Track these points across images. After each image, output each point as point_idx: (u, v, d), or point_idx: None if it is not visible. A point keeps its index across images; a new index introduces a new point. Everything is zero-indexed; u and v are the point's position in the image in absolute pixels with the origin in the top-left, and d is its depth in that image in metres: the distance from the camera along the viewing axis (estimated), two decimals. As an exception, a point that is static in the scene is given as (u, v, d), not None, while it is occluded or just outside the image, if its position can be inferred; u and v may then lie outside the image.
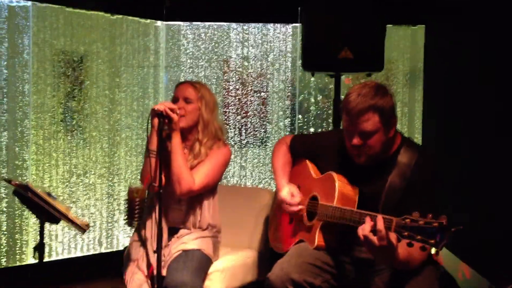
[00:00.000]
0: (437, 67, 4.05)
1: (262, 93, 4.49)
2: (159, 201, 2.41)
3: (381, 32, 3.25)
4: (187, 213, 2.66)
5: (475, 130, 3.24)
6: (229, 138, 4.44)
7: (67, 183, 4.02)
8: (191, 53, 4.43)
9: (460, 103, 3.50)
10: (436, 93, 4.08)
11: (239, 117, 4.49)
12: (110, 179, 4.22)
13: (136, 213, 2.45)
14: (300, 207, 2.39)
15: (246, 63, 4.46)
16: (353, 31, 3.20)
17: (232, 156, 3.20)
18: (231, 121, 4.48)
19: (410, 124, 4.49)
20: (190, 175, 2.56)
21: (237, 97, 4.48)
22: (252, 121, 4.51)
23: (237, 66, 4.46)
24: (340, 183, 2.24)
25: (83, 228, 2.37)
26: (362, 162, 2.19)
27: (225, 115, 4.46)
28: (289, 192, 2.41)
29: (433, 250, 1.77)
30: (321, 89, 4.54)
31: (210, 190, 2.69)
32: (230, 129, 4.48)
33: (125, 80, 4.24)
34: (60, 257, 4.01)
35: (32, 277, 2.41)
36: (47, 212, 2.35)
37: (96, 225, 4.17)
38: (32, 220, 3.82)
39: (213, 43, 4.44)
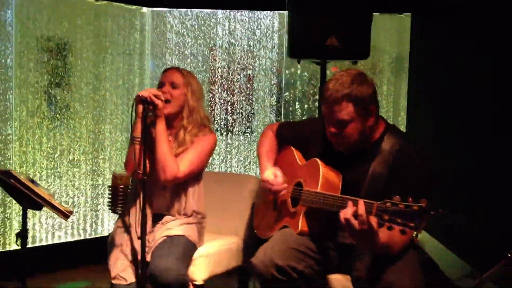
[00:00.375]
0: (423, 55, 4.07)
1: (248, 83, 4.48)
2: (143, 188, 2.40)
3: (367, 20, 3.25)
4: (171, 200, 2.66)
5: (471, 129, 3.26)
6: (216, 127, 4.43)
7: (51, 160, 3.99)
8: (177, 40, 4.39)
9: (453, 99, 3.51)
10: (422, 82, 4.10)
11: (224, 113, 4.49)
12: (95, 155, 4.19)
13: (120, 200, 2.45)
14: (284, 185, 2.38)
15: (232, 52, 4.45)
16: (339, 19, 3.20)
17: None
18: (216, 110, 4.48)
19: (395, 112, 4.51)
20: (175, 162, 2.55)
21: (223, 92, 4.47)
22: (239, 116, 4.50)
23: (223, 56, 4.44)
24: (324, 169, 2.26)
25: (66, 214, 2.36)
26: (342, 150, 2.21)
27: (211, 107, 4.45)
28: (273, 173, 2.42)
29: (414, 234, 1.79)
30: (308, 77, 4.54)
31: (195, 177, 2.69)
32: (217, 117, 4.47)
33: (110, 68, 4.21)
34: (44, 243, 4.00)
35: (16, 264, 2.37)
36: (30, 199, 2.34)
37: (80, 203, 4.14)
38: (17, 206, 3.80)
39: (199, 31, 4.41)
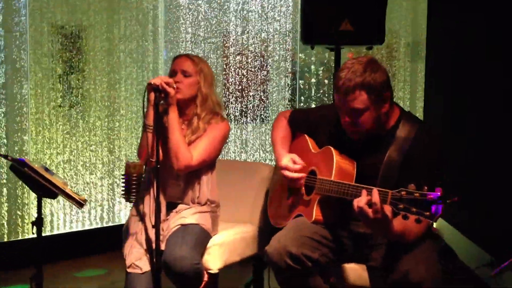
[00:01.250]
0: (441, 39, 4.00)
1: (263, 70, 4.45)
2: (156, 177, 2.40)
3: (382, 4, 3.19)
4: (185, 189, 2.65)
5: (482, 107, 3.20)
6: (231, 116, 4.42)
7: (67, 148, 4.01)
8: (190, 26, 4.37)
9: (466, 78, 3.45)
10: (440, 68, 4.03)
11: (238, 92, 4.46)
12: (110, 143, 4.19)
13: (134, 189, 2.44)
14: (301, 174, 2.36)
15: (246, 38, 4.41)
16: (353, 3, 3.15)
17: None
18: (232, 99, 4.45)
19: (412, 97, 4.45)
20: (188, 150, 2.54)
21: (237, 72, 4.44)
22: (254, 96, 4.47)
23: (237, 41, 4.41)
24: (338, 158, 2.23)
25: (80, 203, 2.37)
26: (356, 139, 2.18)
27: (225, 88, 4.43)
28: (290, 159, 2.39)
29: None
30: (323, 63, 4.49)
31: (208, 165, 2.68)
32: (231, 105, 4.45)
33: (123, 54, 4.20)
34: (62, 231, 4.04)
35: (33, 251, 2.40)
36: (44, 187, 2.34)
37: (97, 199, 4.18)
38: (33, 195, 3.83)
39: (213, 17, 4.38)
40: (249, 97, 4.48)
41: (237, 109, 4.47)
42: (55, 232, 4.02)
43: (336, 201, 2.20)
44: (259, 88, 4.46)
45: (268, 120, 4.48)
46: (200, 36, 4.38)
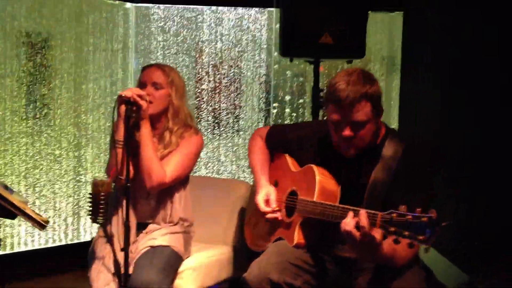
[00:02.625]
0: (417, 51, 3.94)
1: (236, 83, 4.32)
2: (126, 196, 2.24)
3: (363, 17, 3.11)
4: (156, 207, 2.49)
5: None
6: (202, 128, 4.27)
7: (31, 161, 3.80)
8: (161, 36, 4.22)
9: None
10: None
11: (210, 107, 4.33)
12: (77, 157, 4.00)
13: (101, 209, 2.26)
14: (275, 215, 2.23)
15: (219, 50, 4.28)
16: (334, 16, 3.05)
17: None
18: (204, 110, 4.31)
19: (387, 112, 4.39)
20: (161, 167, 2.39)
21: (210, 83, 4.31)
22: (226, 108, 4.34)
23: (210, 53, 4.28)
24: (320, 177, 2.10)
25: (42, 224, 2.18)
26: (351, 155, 2.06)
27: (198, 102, 4.29)
28: (263, 199, 2.26)
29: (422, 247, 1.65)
30: (297, 76, 4.40)
31: (181, 181, 2.53)
32: (203, 119, 4.31)
33: (92, 65, 4.02)
34: (22, 248, 3.80)
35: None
36: (1, 207, 2.15)
37: (61, 213, 3.96)
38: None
39: (185, 27, 4.24)
40: (221, 109, 4.34)
41: (209, 122, 4.33)
42: (17, 249, 3.77)
43: (319, 224, 2.07)
44: (232, 101, 4.32)
45: (241, 133, 4.35)
46: (171, 47, 4.24)
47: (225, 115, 4.35)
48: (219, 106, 4.34)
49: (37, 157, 3.83)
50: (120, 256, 2.28)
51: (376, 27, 4.24)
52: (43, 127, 3.85)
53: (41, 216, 2.26)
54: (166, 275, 2.32)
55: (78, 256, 2.88)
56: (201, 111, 4.30)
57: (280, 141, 2.40)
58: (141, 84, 2.45)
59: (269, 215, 2.23)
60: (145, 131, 2.34)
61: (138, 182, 2.40)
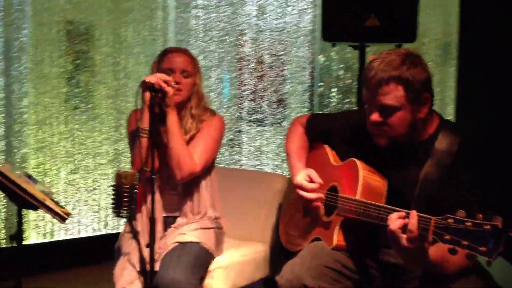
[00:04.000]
0: (475, 38, 3.62)
1: (279, 70, 4.12)
2: (151, 188, 2.08)
3: (414, -4, 2.84)
4: (183, 198, 2.35)
5: None
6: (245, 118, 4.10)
7: (70, 148, 3.73)
8: (202, 25, 4.07)
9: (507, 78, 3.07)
10: (474, 71, 3.65)
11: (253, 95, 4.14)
12: (117, 160, 3.91)
13: (125, 202, 2.10)
14: (318, 195, 2.01)
15: (261, 36, 4.08)
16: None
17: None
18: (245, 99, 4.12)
19: (442, 104, 4.08)
20: (191, 157, 2.25)
21: (252, 74, 4.12)
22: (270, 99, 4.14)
23: (252, 40, 4.08)
24: (364, 172, 1.87)
25: (63, 217, 2.05)
26: (383, 145, 1.83)
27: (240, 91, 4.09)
28: (306, 176, 2.03)
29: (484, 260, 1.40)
30: (344, 62, 4.14)
31: (207, 168, 2.38)
32: (244, 108, 4.13)
33: (131, 54, 3.92)
34: (47, 239, 3.71)
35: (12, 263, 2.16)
36: (23, 198, 2.03)
37: (100, 205, 3.87)
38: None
39: (227, 15, 4.06)
40: (263, 99, 4.14)
41: (251, 113, 4.14)
42: (40, 240, 3.69)
43: (362, 224, 1.84)
44: (275, 90, 4.12)
45: (284, 125, 4.14)
46: (212, 34, 4.08)
47: (267, 104, 4.15)
48: (262, 95, 4.15)
49: (78, 144, 3.77)
50: (146, 252, 2.14)
51: (429, 8, 3.91)
52: (84, 116, 3.79)
53: (63, 208, 2.14)
54: (194, 273, 2.16)
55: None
56: (242, 99, 4.11)
57: (320, 129, 2.18)
58: (168, 70, 2.28)
59: (310, 195, 1.99)
60: (172, 119, 2.19)
61: (164, 173, 2.28)
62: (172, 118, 2.18)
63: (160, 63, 2.31)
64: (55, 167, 3.68)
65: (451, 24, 3.95)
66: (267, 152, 4.17)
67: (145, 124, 2.14)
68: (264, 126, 4.19)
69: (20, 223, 2.16)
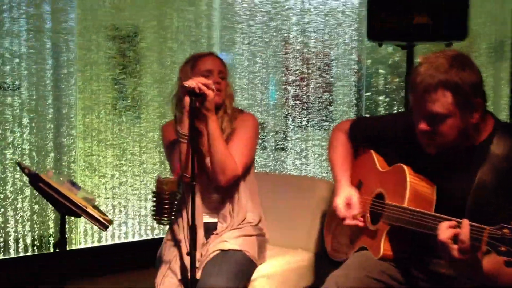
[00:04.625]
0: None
1: (325, 71, 4.03)
2: (192, 194, 2.04)
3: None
4: (222, 201, 2.32)
5: None
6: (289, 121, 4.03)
7: (117, 153, 3.77)
8: (246, 26, 4.05)
9: None
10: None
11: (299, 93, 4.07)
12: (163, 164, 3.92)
13: (166, 209, 2.08)
14: (355, 222, 1.93)
15: (306, 38, 4.01)
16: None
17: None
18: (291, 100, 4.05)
19: (495, 106, 3.89)
20: (234, 160, 2.22)
21: (297, 76, 4.05)
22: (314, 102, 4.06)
23: (297, 41, 4.01)
24: (412, 178, 1.78)
25: (104, 224, 2.04)
26: (433, 153, 1.73)
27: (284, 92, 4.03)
28: (344, 203, 1.96)
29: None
30: (391, 65, 4.01)
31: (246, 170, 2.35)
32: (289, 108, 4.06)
33: (176, 58, 3.92)
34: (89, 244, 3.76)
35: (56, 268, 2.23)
36: (64, 206, 2.03)
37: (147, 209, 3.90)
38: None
39: (271, 16, 4.01)
40: (309, 102, 4.06)
41: (296, 116, 4.06)
42: (82, 245, 3.73)
43: (411, 233, 1.75)
44: (321, 93, 4.03)
45: (330, 128, 4.05)
46: (257, 37, 4.05)
47: (312, 108, 4.07)
48: (307, 96, 4.07)
49: (125, 148, 3.80)
50: (187, 260, 2.10)
51: (481, 5, 3.73)
52: (131, 120, 3.82)
53: (105, 215, 2.12)
54: (236, 282, 2.11)
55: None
56: (288, 100, 4.03)
57: (365, 134, 2.09)
58: (206, 72, 2.25)
59: (348, 221, 1.93)
60: (213, 124, 2.15)
61: (204, 178, 2.25)
62: (213, 122, 2.15)
63: (194, 67, 2.28)
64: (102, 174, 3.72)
65: (505, 21, 3.77)
66: (313, 155, 4.09)
67: (184, 129, 2.11)
68: (310, 128, 4.11)
69: (63, 230, 2.16)
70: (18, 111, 3.42)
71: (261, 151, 4.02)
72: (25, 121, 3.44)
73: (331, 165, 2.14)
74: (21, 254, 3.49)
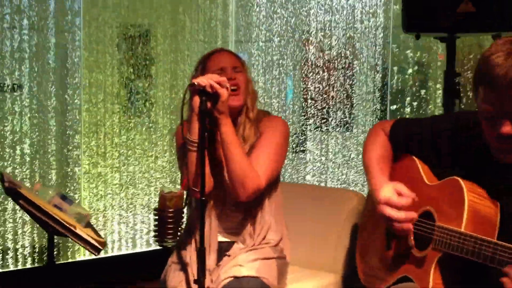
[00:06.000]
0: None
1: (348, 69, 3.70)
2: (201, 212, 1.73)
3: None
4: (243, 220, 2.00)
5: None
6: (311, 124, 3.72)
7: (125, 166, 3.58)
8: (264, 23, 3.81)
9: None
10: None
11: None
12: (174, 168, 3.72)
13: (170, 229, 1.77)
14: (409, 214, 1.59)
15: (328, 34, 3.69)
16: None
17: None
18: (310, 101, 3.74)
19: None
20: (254, 171, 1.89)
21: (318, 76, 3.73)
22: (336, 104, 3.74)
23: (319, 37, 3.70)
24: (472, 196, 1.44)
25: (96, 247, 1.74)
26: (511, 162, 1.40)
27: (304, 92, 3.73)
28: (394, 190, 1.62)
29: None
30: (419, 63, 3.65)
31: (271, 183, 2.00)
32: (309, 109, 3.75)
33: (189, 58, 3.77)
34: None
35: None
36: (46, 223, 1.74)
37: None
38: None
39: (290, 11, 3.74)
40: (330, 101, 3.73)
41: (317, 117, 3.73)
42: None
43: (468, 264, 1.42)
44: (343, 90, 3.70)
45: (353, 129, 3.71)
46: (275, 34, 3.79)
47: (334, 107, 3.74)
48: (329, 96, 3.75)
49: (135, 150, 3.64)
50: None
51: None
52: (141, 120, 3.67)
53: (99, 236, 1.83)
54: (253, 314, 1.80)
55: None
56: (307, 103, 3.73)
57: (409, 136, 1.75)
58: (218, 71, 1.93)
59: (400, 215, 1.58)
60: (226, 128, 1.84)
61: (221, 193, 1.94)
62: (226, 126, 1.83)
63: (205, 67, 1.98)
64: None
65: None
66: (335, 161, 3.76)
67: (194, 135, 1.80)
68: (331, 131, 3.79)
69: (51, 250, 1.88)
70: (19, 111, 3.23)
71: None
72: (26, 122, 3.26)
73: (365, 166, 1.80)
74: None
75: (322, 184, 3.60)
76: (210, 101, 1.77)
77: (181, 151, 1.97)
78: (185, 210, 1.83)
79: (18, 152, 3.22)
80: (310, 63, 3.76)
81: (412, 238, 1.61)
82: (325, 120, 3.74)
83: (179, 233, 1.83)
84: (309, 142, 3.81)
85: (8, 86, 3.21)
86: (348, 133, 3.73)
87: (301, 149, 3.82)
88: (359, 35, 3.62)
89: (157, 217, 1.79)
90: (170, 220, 1.77)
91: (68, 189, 3.36)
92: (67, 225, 1.68)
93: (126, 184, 3.58)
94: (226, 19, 3.86)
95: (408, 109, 3.62)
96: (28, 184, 3.14)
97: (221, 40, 3.85)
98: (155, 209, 1.80)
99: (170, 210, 1.77)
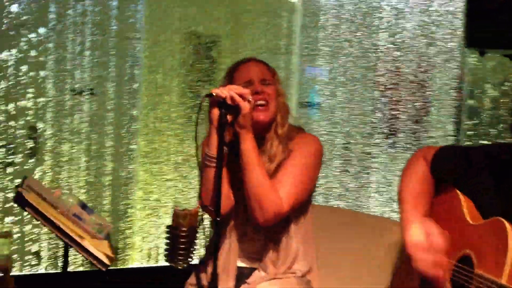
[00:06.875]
0: None
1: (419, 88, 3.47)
2: (216, 234, 1.60)
3: None
4: (265, 245, 1.83)
5: None
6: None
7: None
8: (331, 36, 3.65)
9: None
10: None
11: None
12: None
13: (182, 249, 1.65)
14: (440, 258, 1.40)
15: (398, 52, 3.48)
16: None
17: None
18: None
19: None
20: (276, 192, 1.73)
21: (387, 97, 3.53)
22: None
23: (388, 55, 3.51)
24: (517, 241, 1.22)
25: (103, 262, 1.64)
26: None
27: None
28: (423, 233, 1.43)
29: None
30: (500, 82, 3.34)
31: (299, 206, 1.83)
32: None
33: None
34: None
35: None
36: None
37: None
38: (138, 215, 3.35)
39: (357, 24, 3.57)
40: (399, 122, 3.52)
41: (382, 137, 3.54)
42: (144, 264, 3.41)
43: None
44: (413, 110, 3.48)
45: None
46: (343, 49, 3.63)
47: (402, 128, 3.52)
48: (396, 117, 3.54)
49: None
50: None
51: None
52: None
53: (110, 250, 1.73)
54: None
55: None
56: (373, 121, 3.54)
57: (454, 167, 1.54)
58: (244, 83, 1.79)
59: (430, 269, 1.38)
60: (248, 146, 1.70)
61: (242, 214, 1.80)
62: (246, 142, 1.69)
63: (231, 78, 1.84)
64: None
65: None
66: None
67: (212, 149, 1.67)
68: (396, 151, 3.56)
69: (66, 259, 1.81)
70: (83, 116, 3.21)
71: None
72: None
73: (400, 199, 1.61)
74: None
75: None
76: (231, 114, 1.64)
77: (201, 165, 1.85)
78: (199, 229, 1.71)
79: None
80: (378, 78, 3.57)
81: (449, 285, 1.39)
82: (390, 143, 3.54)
83: (191, 255, 1.70)
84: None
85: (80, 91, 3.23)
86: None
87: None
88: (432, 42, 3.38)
89: (169, 236, 1.67)
90: (182, 240, 1.65)
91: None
92: (73, 236, 1.59)
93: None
94: (291, 27, 3.72)
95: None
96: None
97: (285, 50, 3.68)
98: (167, 227, 1.68)
99: (183, 229, 1.65)
